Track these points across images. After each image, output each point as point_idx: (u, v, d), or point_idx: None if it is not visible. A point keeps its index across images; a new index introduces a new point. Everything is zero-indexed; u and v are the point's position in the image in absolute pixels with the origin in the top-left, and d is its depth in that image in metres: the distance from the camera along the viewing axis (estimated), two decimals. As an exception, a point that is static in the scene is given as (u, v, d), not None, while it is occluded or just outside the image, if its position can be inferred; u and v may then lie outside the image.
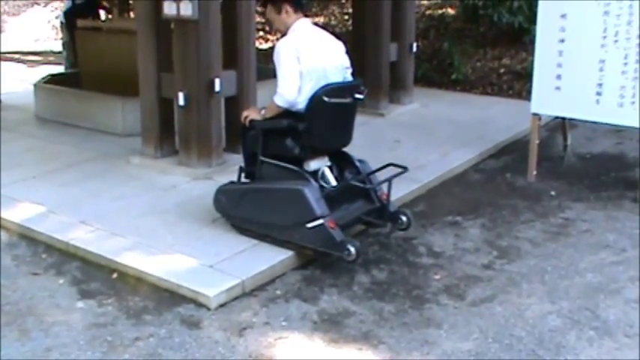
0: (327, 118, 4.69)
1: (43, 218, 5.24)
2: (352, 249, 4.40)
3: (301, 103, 4.63)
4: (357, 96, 4.78)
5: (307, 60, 4.61)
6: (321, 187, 4.68)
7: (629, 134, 7.24)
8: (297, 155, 4.71)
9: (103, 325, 3.96)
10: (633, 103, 5.67)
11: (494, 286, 4.44)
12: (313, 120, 4.61)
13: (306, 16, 4.90)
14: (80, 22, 8.80)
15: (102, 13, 9.25)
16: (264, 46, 13.14)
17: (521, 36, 10.58)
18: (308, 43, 4.68)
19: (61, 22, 10.56)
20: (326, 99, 4.55)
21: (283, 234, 4.66)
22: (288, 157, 4.73)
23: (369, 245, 4.98)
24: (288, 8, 4.74)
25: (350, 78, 4.93)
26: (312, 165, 4.77)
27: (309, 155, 4.75)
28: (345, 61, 4.92)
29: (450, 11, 12.68)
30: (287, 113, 4.70)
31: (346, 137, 4.94)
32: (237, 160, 5.48)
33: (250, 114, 4.91)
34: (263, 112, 4.85)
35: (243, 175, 5.01)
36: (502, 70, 10.43)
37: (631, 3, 5.56)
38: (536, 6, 6.17)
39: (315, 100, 4.56)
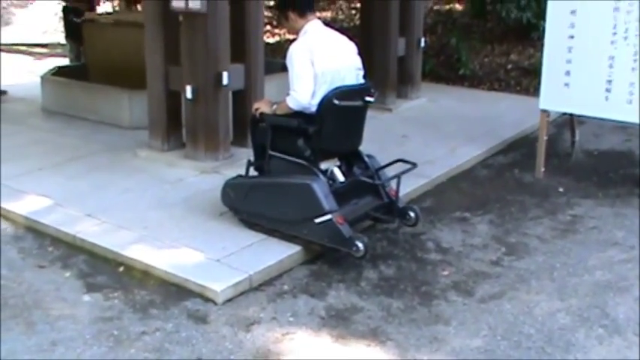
0: (338, 121, 4.64)
1: (49, 211, 5.23)
2: (360, 245, 4.39)
3: (314, 107, 4.58)
4: (368, 99, 4.74)
5: (321, 62, 4.56)
6: (330, 184, 4.65)
7: (637, 131, 7.19)
8: (307, 157, 4.67)
9: (109, 319, 3.95)
10: (643, 100, 5.64)
11: (502, 282, 4.42)
12: (324, 122, 4.57)
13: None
14: (87, 15, 8.79)
15: (102, 8, 9.26)
16: (272, 40, 13.11)
17: (528, 32, 10.55)
18: (321, 46, 4.63)
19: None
20: (336, 102, 4.51)
21: (291, 229, 4.64)
22: (299, 157, 4.70)
23: (377, 241, 4.96)
24: (292, 15, 4.72)
25: (362, 80, 4.88)
26: (322, 166, 4.74)
27: (319, 157, 4.72)
28: (358, 62, 4.87)
29: (458, 7, 12.64)
30: (298, 113, 4.66)
31: (356, 140, 4.91)
32: (245, 153, 5.45)
33: (261, 106, 4.88)
34: (275, 107, 4.82)
35: (251, 168, 4.99)
36: (510, 66, 10.39)
37: (642, -1, 5.53)
38: (545, 2, 6.11)
39: (325, 102, 4.52)
